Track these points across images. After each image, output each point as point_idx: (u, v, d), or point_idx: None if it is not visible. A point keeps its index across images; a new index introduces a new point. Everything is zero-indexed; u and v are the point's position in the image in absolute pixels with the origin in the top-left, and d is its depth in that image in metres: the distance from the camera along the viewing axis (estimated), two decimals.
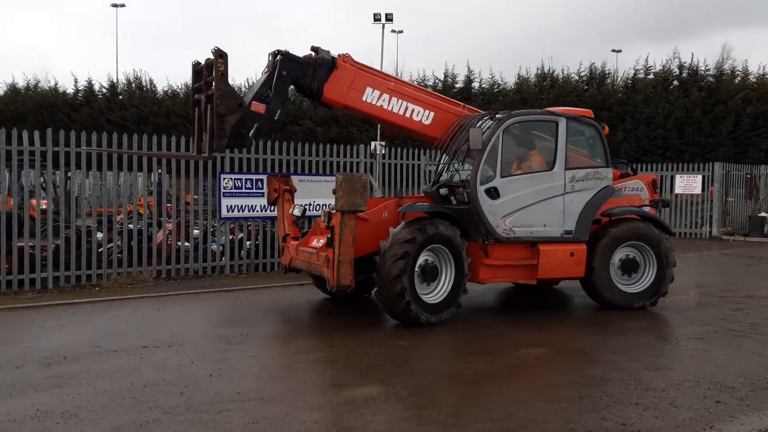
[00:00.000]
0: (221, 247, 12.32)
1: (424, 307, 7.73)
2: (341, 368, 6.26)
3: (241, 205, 12.07)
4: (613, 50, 45.88)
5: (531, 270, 8.56)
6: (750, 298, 10.28)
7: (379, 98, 8.72)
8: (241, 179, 12.06)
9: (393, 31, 40.42)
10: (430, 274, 7.92)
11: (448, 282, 8.01)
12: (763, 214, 21.37)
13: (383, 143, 31.18)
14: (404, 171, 14.67)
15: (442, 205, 8.42)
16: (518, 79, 35.13)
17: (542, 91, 33.03)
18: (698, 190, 21.36)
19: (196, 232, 12.32)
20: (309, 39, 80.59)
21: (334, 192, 7.39)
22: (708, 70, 31.74)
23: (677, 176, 21.58)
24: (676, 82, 31.60)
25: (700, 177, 21.30)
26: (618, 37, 75.98)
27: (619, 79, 33.53)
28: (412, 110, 8.90)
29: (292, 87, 8.62)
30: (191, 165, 11.89)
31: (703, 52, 38.96)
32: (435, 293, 7.98)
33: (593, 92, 32.16)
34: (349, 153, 13.68)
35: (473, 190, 8.15)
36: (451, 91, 35.36)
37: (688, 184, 21.34)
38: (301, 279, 10.98)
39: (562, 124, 8.61)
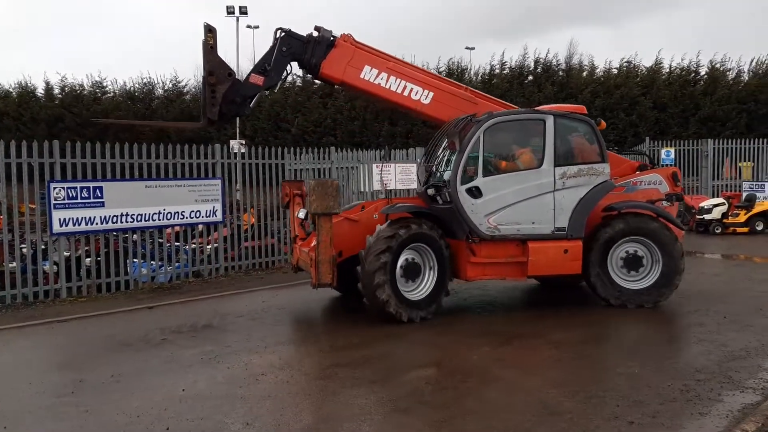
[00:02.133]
0: (56, 267, 10.58)
1: (405, 303, 7.98)
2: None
3: (77, 218, 10.42)
4: (467, 47, 46.84)
5: (521, 267, 8.55)
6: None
7: (377, 76, 9.10)
8: (75, 188, 10.40)
9: (249, 26, 38.67)
10: (413, 272, 8.18)
11: (431, 280, 8.27)
12: None
13: (243, 142, 29.85)
14: (267, 171, 13.50)
15: (431, 205, 8.76)
16: None
17: None
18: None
19: (24, 249, 10.54)
20: (150, 32, 76.49)
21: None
22: (559, 65, 32.96)
23: None
24: (531, 77, 32.48)
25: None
26: (470, 35, 78.16)
27: (478, 76, 33.97)
28: (411, 89, 9.18)
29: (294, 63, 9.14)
30: (24, 169, 10.05)
31: (549, 49, 41.24)
32: (417, 291, 8.22)
33: None
34: (205, 154, 12.33)
35: (453, 190, 8.24)
36: (312, 87, 34.47)
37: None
38: (151, 302, 9.92)
39: (549, 121, 8.50)
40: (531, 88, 31.16)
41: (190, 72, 77.97)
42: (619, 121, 29.42)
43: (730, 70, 32.12)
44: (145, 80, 38.61)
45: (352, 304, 9.02)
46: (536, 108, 9.10)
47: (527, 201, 8.40)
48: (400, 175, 16.08)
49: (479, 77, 33.71)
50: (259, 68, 9.01)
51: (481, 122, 8.38)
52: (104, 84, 39.18)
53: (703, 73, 32.28)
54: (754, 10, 70.21)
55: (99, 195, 10.59)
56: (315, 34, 9.07)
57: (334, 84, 9.64)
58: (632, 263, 8.71)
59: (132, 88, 38.41)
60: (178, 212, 11.63)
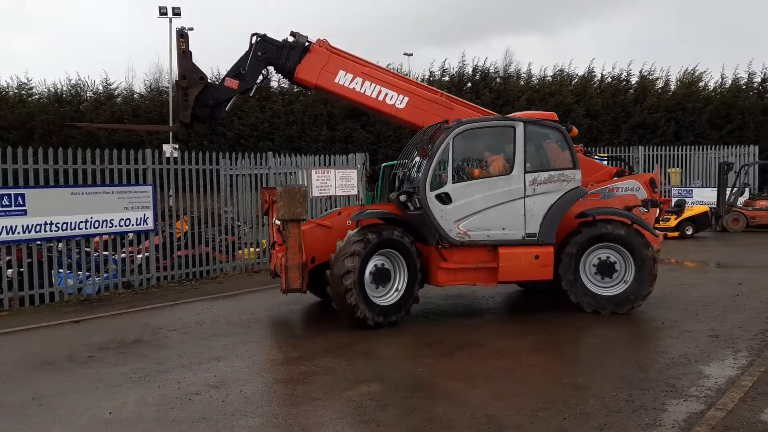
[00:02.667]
0: None
1: (373, 308, 8.03)
2: None
3: None
4: (405, 53, 46.97)
5: (492, 273, 8.57)
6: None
7: (351, 81, 9.23)
8: None
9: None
10: (383, 278, 8.24)
11: (401, 286, 8.32)
12: None
13: (176, 146, 29.02)
14: (202, 177, 13.04)
15: (403, 211, 8.80)
16: None
17: None
18: None
19: None
20: (82, 32, 74.03)
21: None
22: (497, 72, 33.35)
23: None
24: (469, 84, 32.73)
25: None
26: (408, 40, 78.55)
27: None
28: (386, 94, 9.28)
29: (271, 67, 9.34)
30: None
31: (487, 57, 41.81)
32: (387, 296, 8.28)
33: None
34: (135, 159, 11.80)
35: (423, 197, 8.28)
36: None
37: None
38: (77, 315, 9.44)
39: (519, 128, 8.52)
40: (469, 95, 31.32)
41: (121, 74, 76.04)
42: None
43: (658, 79, 33.17)
44: (73, 82, 37.15)
45: (292, 316, 8.72)
46: (507, 115, 9.14)
47: (497, 207, 8.44)
48: (340, 181, 15.86)
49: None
50: (234, 72, 9.17)
51: (451, 129, 8.42)
52: (30, 86, 37.50)
53: (633, 81, 33.22)
54: (681, 22, 73.02)
55: (21, 203, 9.95)
56: (290, 39, 9.24)
57: (309, 88, 9.72)
58: (605, 269, 8.73)
59: (60, 90, 36.88)
60: (106, 220, 11.08)
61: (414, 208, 8.59)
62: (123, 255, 11.84)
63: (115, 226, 11.26)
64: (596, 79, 33.60)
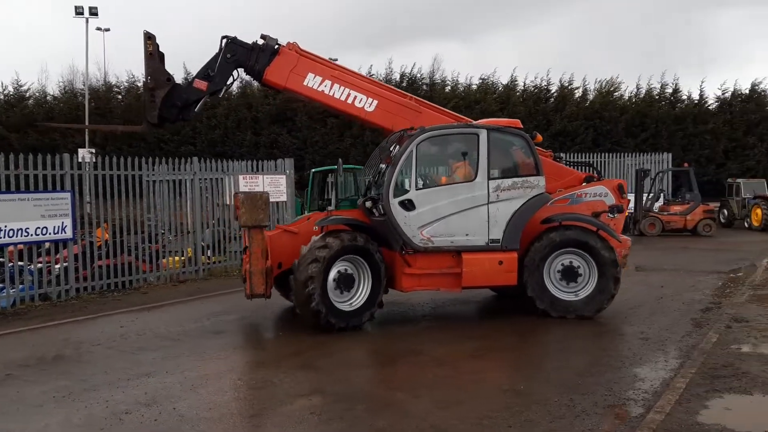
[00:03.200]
0: None
1: (335, 313, 8.08)
2: None
3: None
4: (330, 59, 46.75)
5: (456, 278, 8.60)
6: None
7: (321, 84, 9.26)
8: None
9: (98, 28, 36.25)
10: (346, 283, 8.28)
11: (365, 292, 8.37)
12: None
13: (93, 150, 27.84)
14: (122, 182, 12.47)
15: (370, 217, 8.77)
16: (241, 83, 33.77)
17: (267, 96, 32.10)
18: None
19: None
20: None
21: (237, 209, 8.41)
22: (423, 79, 33.63)
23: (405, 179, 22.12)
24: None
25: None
26: (333, 45, 78.39)
27: None
28: (355, 97, 9.32)
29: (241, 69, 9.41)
30: None
31: (414, 63, 42.25)
32: (351, 301, 8.32)
33: None
34: (52, 164, 11.17)
35: (386, 203, 8.30)
36: None
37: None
38: None
39: (483, 136, 8.57)
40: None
41: (33, 75, 72.62)
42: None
43: (577, 88, 34.27)
44: None
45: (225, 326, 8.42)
46: (470, 122, 9.21)
47: (461, 213, 8.47)
48: (268, 186, 15.55)
49: None
50: (203, 74, 9.27)
51: (414, 136, 8.46)
52: None
53: (553, 90, 34.19)
54: (597, 32, 75.86)
55: None
56: (261, 42, 9.32)
57: (278, 90, 9.85)
58: (569, 275, 8.78)
59: None
60: (21, 229, 10.43)
61: (379, 215, 8.59)
62: (39, 265, 11.16)
63: (31, 235, 10.61)
64: (519, 87, 34.41)
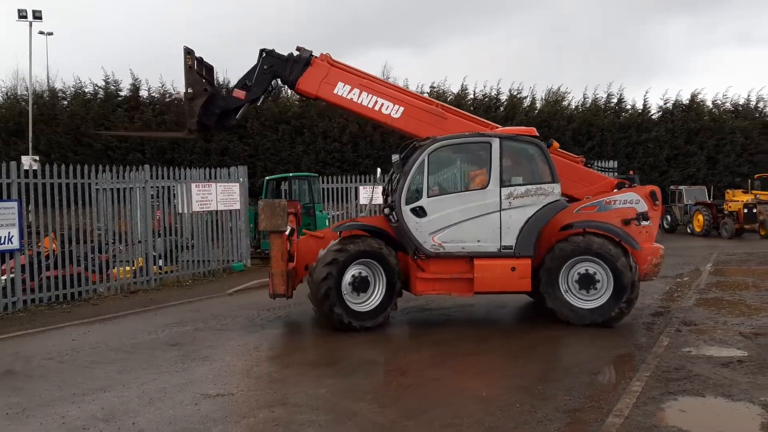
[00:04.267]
0: None
1: (350, 313, 8.58)
2: None
3: None
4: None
5: (468, 283, 8.80)
6: (461, 307, 10.35)
7: (350, 92, 9.73)
8: None
9: (41, 32, 35.20)
10: (361, 286, 8.76)
11: (379, 294, 8.81)
12: None
13: (36, 158, 26.97)
14: (69, 191, 12.12)
15: (390, 224, 9.09)
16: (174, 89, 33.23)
17: None
18: (380, 200, 22.20)
19: None
20: None
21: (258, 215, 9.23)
22: None
23: (360, 187, 22.20)
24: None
25: (381, 188, 22.09)
26: (283, 49, 77.84)
27: (295, 95, 33.57)
28: (382, 104, 9.69)
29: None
30: None
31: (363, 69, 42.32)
32: (366, 303, 8.78)
33: (270, 105, 31.78)
34: None
35: (398, 210, 8.75)
36: (116, 99, 32.18)
37: (369, 194, 22.02)
38: None
39: (495, 144, 8.76)
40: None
41: None
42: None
43: (526, 97, 34.87)
44: None
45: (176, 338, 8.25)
46: (491, 127, 9.45)
47: (472, 220, 8.71)
48: (222, 195, 15.38)
49: (296, 96, 33.44)
50: (241, 84, 9.99)
51: (426, 146, 8.82)
52: None
53: (503, 99, 34.71)
54: (545, 41, 77.42)
55: None
56: (296, 53, 9.92)
57: (310, 98, 10.36)
58: (587, 282, 8.75)
59: None
60: None
61: (394, 221, 8.92)
62: None
63: None
64: (469, 96, 34.80)
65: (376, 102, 9.75)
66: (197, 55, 9.99)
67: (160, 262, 14.16)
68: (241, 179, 16.22)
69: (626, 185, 9.59)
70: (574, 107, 34.51)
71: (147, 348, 8.22)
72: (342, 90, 9.79)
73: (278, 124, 30.33)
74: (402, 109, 9.75)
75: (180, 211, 14.72)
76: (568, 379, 6.49)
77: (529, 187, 8.79)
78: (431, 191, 8.81)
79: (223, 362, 7.42)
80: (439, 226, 8.74)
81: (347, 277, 8.68)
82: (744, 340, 7.92)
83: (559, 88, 34.91)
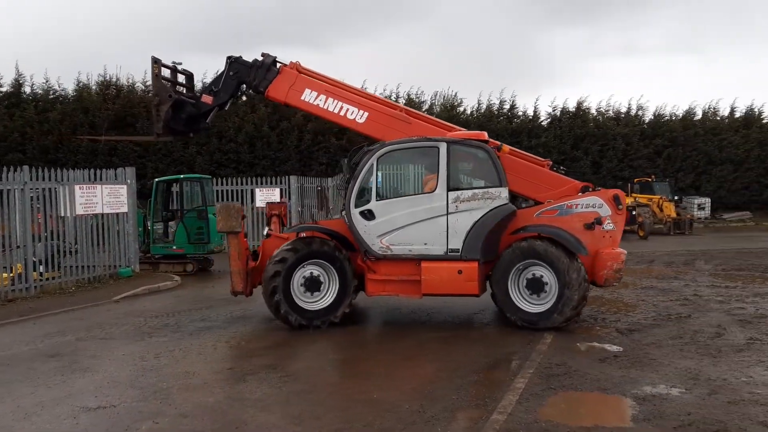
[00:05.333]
0: None
1: (297, 310, 9.00)
2: None
3: None
4: (174, 62, 45.13)
5: (416, 286, 8.96)
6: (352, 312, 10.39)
7: (316, 98, 10.02)
8: None
9: None
10: (314, 285, 9.10)
11: (332, 294, 9.12)
12: None
13: None
14: None
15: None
16: (78, 85, 31.70)
17: (106, 101, 30.36)
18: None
19: None
20: None
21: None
22: None
23: (257, 190, 21.88)
24: (244, 98, 32.28)
25: (278, 190, 21.97)
26: (176, 49, 75.64)
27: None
28: (347, 109, 9.94)
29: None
30: None
31: None
32: (317, 302, 9.11)
33: None
34: None
35: (347, 213, 9.04)
36: None
37: (267, 197, 21.75)
38: None
39: (443, 148, 8.86)
40: (244, 108, 30.98)
41: None
42: (331, 145, 30.65)
43: (424, 102, 35.53)
44: None
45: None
46: (431, 136, 9.31)
47: (419, 223, 8.85)
48: (107, 197, 14.74)
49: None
50: (208, 89, 10.54)
51: (375, 150, 9.04)
52: None
53: (402, 103, 35.20)
54: (442, 47, 79.03)
55: None
56: (259, 59, 10.25)
57: (281, 104, 10.63)
58: (535, 286, 8.74)
59: None
60: None
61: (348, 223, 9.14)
62: None
63: None
64: None
65: (341, 107, 9.99)
66: (178, 62, 10.85)
67: (41, 269, 13.36)
68: (128, 181, 15.58)
69: (590, 189, 9.44)
70: (469, 113, 35.48)
71: (24, 359, 7.76)
72: (309, 96, 10.06)
73: None
74: (366, 114, 9.93)
75: (63, 215, 13.97)
76: (456, 378, 6.64)
77: (476, 191, 8.87)
78: (379, 195, 9.02)
79: (106, 373, 7.11)
80: (387, 229, 8.91)
81: (299, 277, 9.04)
82: (620, 336, 8.39)
83: (455, 94, 35.81)
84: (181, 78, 11.12)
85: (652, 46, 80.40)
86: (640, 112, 36.31)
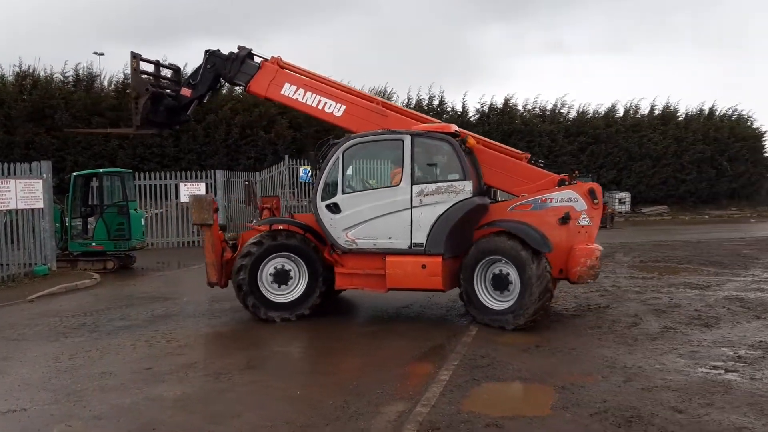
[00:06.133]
0: None
1: (266, 304, 9.12)
2: None
3: None
4: (95, 53, 43.66)
5: (382, 280, 8.83)
6: None
7: (295, 92, 10.09)
8: None
9: None
10: (282, 278, 9.17)
11: (301, 287, 9.18)
12: None
13: None
14: None
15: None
16: None
17: (23, 92, 28.99)
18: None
19: None
20: None
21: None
22: None
23: (181, 184, 21.38)
24: (168, 91, 31.39)
25: (203, 185, 21.52)
26: (98, 38, 72.94)
27: (111, 85, 31.54)
28: (325, 103, 9.95)
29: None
30: None
31: (188, 63, 39.81)
32: (286, 294, 9.19)
33: (82, 95, 29.61)
34: None
35: (314, 206, 9.05)
36: None
37: (192, 191, 21.28)
38: None
39: (407, 141, 8.69)
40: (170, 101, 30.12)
41: None
42: (259, 138, 30.19)
43: None
44: None
45: None
46: (395, 129, 9.11)
47: (384, 217, 8.75)
48: (22, 192, 14.09)
49: (113, 86, 31.41)
50: (187, 82, 10.66)
51: (341, 143, 8.98)
52: None
53: None
54: (373, 42, 79.13)
55: None
56: (235, 51, 10.39)
57: (263, 98, 10.71)
58: (500, 283, 8.50)
59: None
60: None
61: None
62: None
63: None
64: None
65: (319, 101, 10.02)
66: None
67: None
68: (44, 175, 14.90)
69: (566, 182, 9.08)
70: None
71: None
72: (288, 90, 10.14)
73: (91, 116, 28.35)
74: (344, 107, 9.92)
75: None
76: (382, 373, 6.63)
77: (440, 184, 8.67)
78: (345, 188, 8.93)
79: (17, 375, 6.78)
80: (352, 223, 8.85)
81: (269, 269, 9.14)
82: (542, 327, 8.55)
83: (386, 89, 35.87)
84: (166, 72, 11.47)
85: (577, 45, 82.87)
86: (564, 110, 37.34)
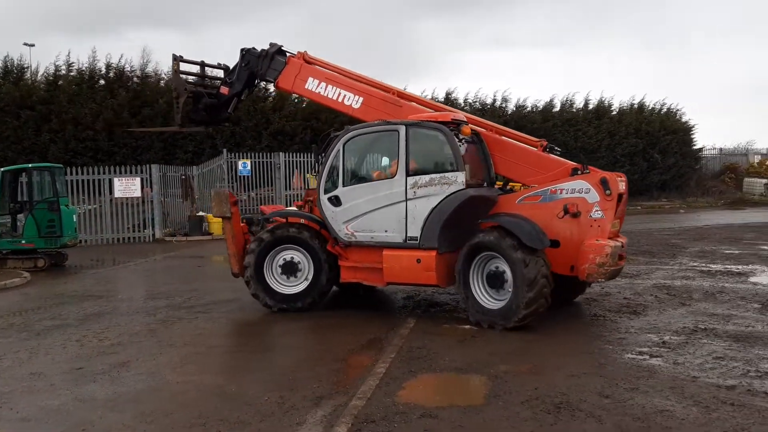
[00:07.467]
0: None
1: (274, 296, 9.26)
2: None
3: None
4: (26, 44, 42.02)
5: (380, 273, 8.73)
6: (215, 304, 10.16)
7: (318, 86, 10.13)
8: None
9: None
10: (292, 270, 9.26)
11: (307, 279, 9.24)
12: (201, 213, 22.33)
13: None
14: None
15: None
16: None
17: None
18: (137, 193, 21.15)
19: None
20: None
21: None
22: (134, 71, 31.67)
23: (115, 179, 20.88)
24: (102, 82, 30.51)
25: (138, 179, 21.07)
26: (29, 30, 70.26)
27: (39, 76, 30.47)
28: (344, 96, 9.95)
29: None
30: None
31: (123, 54, 38.10)
32: (293, 286, 9.29)
33: (11, 88, 28.48)
34: None
35: (318, 199, 9.06)
36: None
37: (126, 187, 20.82)
38: None
39: (402, 132, 8.54)
40: (103, 93, 29.26)
41: None
42: (197, 133, 29.67)
43: None
44: None
45: None
46: (391, 120, 9.01)
47: (380, 210, 8.63)
48: None
49: (44, 77, 30.32)
50: (224, 81, 10.95)
51: (341, 135, 8.95)
52: None
53: (271, 89, 34.60)
54: (314, 33, 78.58)
55: None
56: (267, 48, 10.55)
57: (290, 94, 10.97)
58: (496, 281, 8.02)
59: None
60: None
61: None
62: None
63: None
64: None
65: (339, 94, 10.01)
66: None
67: None
68: None
69: (579, 171, 8.46)
70: None
71: None
72: (311, 84, 10.18)
73: (20, 109, 27.32)
74: (361, 99, 9.89)
75: None
76: (318, 367, 6.63)
77: (434, 176, 8.33)
78: (346, 181, 8.89)
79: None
80: (351, 216, 8.78)
81: (277, 261, 9.27)
82: None
83: None
84: (215, 72, 12.17)
85: (518, 40, 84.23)
86: (503, 104, 37.88)
